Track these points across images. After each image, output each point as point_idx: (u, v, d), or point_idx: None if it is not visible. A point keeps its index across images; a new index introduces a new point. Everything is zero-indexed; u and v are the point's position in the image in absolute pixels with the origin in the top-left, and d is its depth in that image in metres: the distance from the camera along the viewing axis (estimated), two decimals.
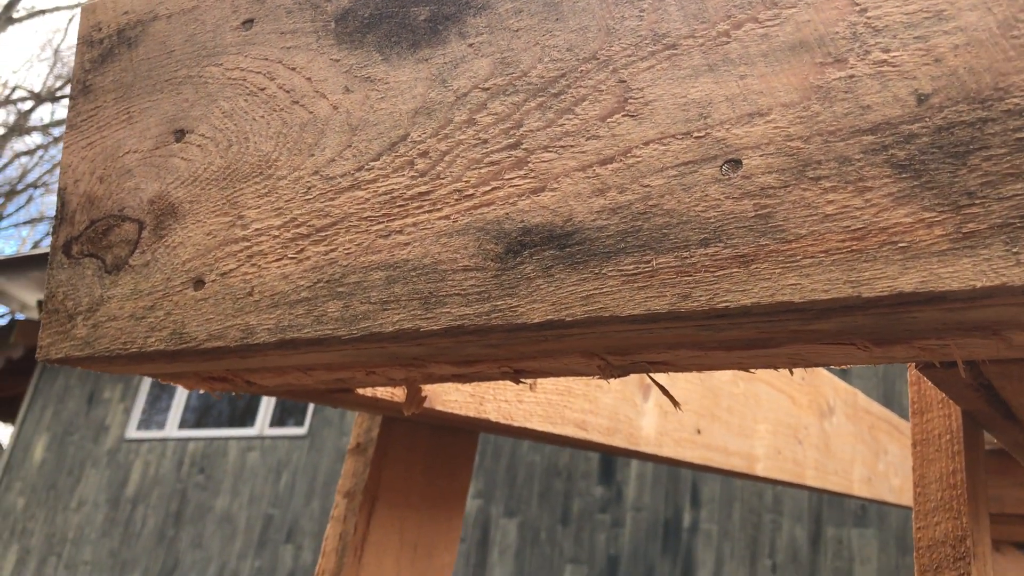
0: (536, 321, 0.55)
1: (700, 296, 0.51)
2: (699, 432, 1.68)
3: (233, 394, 0.90)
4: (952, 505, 0.85)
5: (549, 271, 0.55)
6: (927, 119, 0.47)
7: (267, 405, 9.39)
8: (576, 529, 7.10)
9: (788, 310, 0.49)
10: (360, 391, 0.92)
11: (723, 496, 6.67)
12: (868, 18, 0.49)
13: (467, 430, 1.25)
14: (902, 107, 0.48)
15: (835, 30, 0.50)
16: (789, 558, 6.29)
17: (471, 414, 1.06)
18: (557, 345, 0.61)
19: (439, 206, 0.60)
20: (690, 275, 0.51)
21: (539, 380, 1.20)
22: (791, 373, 1.79)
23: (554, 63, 0.59)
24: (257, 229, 0.67)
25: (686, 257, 0.51)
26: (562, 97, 0.58)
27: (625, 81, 0.56)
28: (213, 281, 0.68)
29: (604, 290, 0.53)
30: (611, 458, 7.12)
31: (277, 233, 0.66)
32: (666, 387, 1.54)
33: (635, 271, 0.53)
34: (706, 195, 0.52)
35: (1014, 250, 0.43)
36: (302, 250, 0.65)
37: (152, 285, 0.71)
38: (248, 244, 0.68)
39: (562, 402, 1.24)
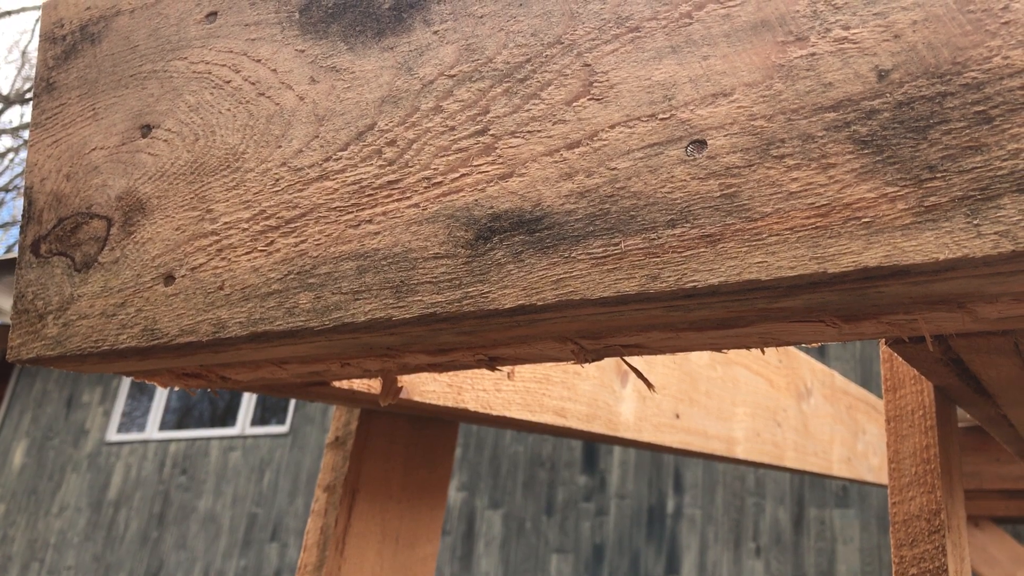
0: (508, 306, 0.55)
1: (668, 277, 0.51)
2: (678, 416, 1.68)
3: (212, 393, 0.90)
4: (926, 479, 0.86)
5: (519, 256, 0.55)
6: (888, 95, 0.47)
7: (248, 404, 9.35)
8: (561, 519, 7.13)
9: (755, 288, 0.50)
10: (336, 384, 0.91)
11: (706, 481, 6.71)
12: None
13: (447, 420, 1.25)
14: (863, 83, 0.48)
15: (796, 8, 0.50)
16: (773, 540, 6.34)
17: (450, 404, 1.06)
18: (530, 331, 0.61)
19: (408, 194, 0.60)
20: (658, 256, 0.51)
21: (517, 369, 1.21)
22: (762, 352, 1.79)
23: (519, 48, 0.59)
24: (226, 223, 0.67)
25: (654, 239, 0.52)
26: (528, 82, 0.58)
27: (590, 65, 0.56)
28: (183, 276, 0.68)
29: (574, 274, 0.53)
30: (594, 446, 7.15)
31: (246, 226, 0.66)
32: (645, 371, 1.55)
33: (604, 254, 0.53)
34: (672, 176, 0.52)
35: (975, 222, 0.44)
36: (272, 242, 0.65)
37: (122, 282, 0.71)
38: (217, 238, 0.67)
39: (540, 390, 1.25)
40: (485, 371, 1.13)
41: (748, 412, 2.04)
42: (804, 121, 0.49)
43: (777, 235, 0.48)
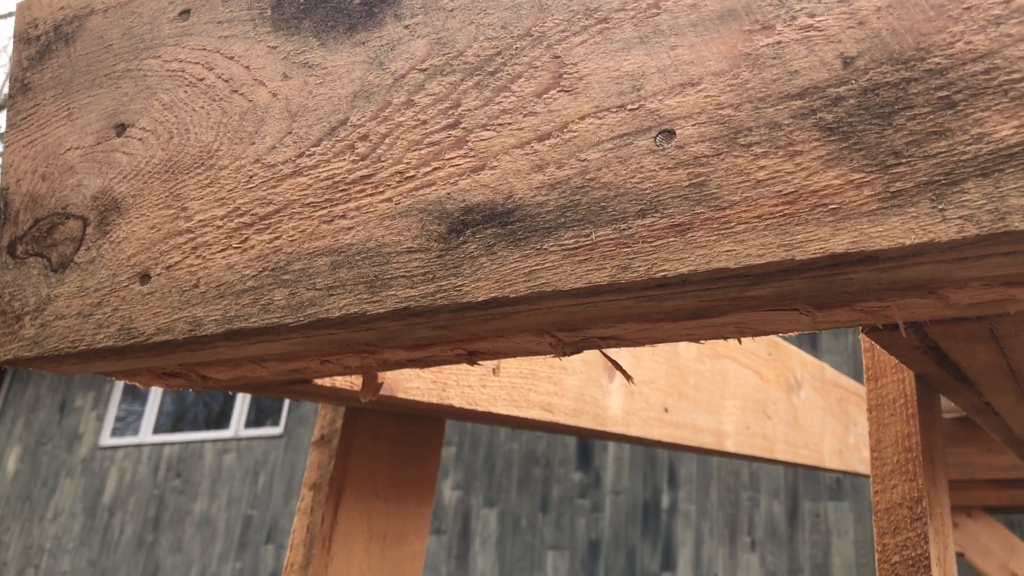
0: (481, 299, 0.55)
1: (639, 267, 0.51)
2: (667, 410, 1.69)
3: (195, 393, 0.90)
4: (908, 468, 0.87)
5: (492, 249, 0.55)
6: (853, 81, 0.47)
7: (242, 406, 9.33)
8: (556, 515, 7.13)
9: (725, 277, 0.50)
10: (318, 382, 0.91)
11: (700, 476, 6.72)
12: None
13: (432, 417, 1.25)
14: (829, 71, 0.48)
15: None
16: (768, 534, 6.35)
17: (434, 400, 1.06)
18: (505, 324, 0.61)
19: (381, 189, 0.60)
20: (628, 246, 0.51)
21: (503, 365, 1.21)
22: (740, 342, 1.79)
23: (489, 41, 0.59)
24: (201, 220, 0.67)
25: (624, 229, 0.52)
26: (498, 75, 0.58)
27: (559, 57, 0.56)
28: (159, 275, 0.68)
29: (546, 265, 0.54)
30: (588, 443, 7.16)
31: (221, 223, 0.66)
32: (632, 366, 1.55)
33: (575, 245, 0.53)
34: (642, 167, 0.52)
35: (940, 207, 0.44)
36: (246, 239, 0.64)
37: (98, 282, 0.71)
38: (192, 236, 0.67)
39: (527, 385, 1.25)
40: (470, 367, 1.13)
41: (738, 405, 2.04)
42: (771, 109, 0.49)
43: (745, 223, 0.49)
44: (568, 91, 0.55)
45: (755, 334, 0.67)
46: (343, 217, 0.61)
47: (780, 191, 0.48)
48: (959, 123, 0.44)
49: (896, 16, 0.47)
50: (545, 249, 0.54)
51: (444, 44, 0.60)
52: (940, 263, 0.47)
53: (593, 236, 0.52)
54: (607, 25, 0.55)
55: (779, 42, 0.50)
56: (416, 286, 0.57)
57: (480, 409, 1.13)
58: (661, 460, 6.90)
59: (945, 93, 0.45)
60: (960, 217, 0.44)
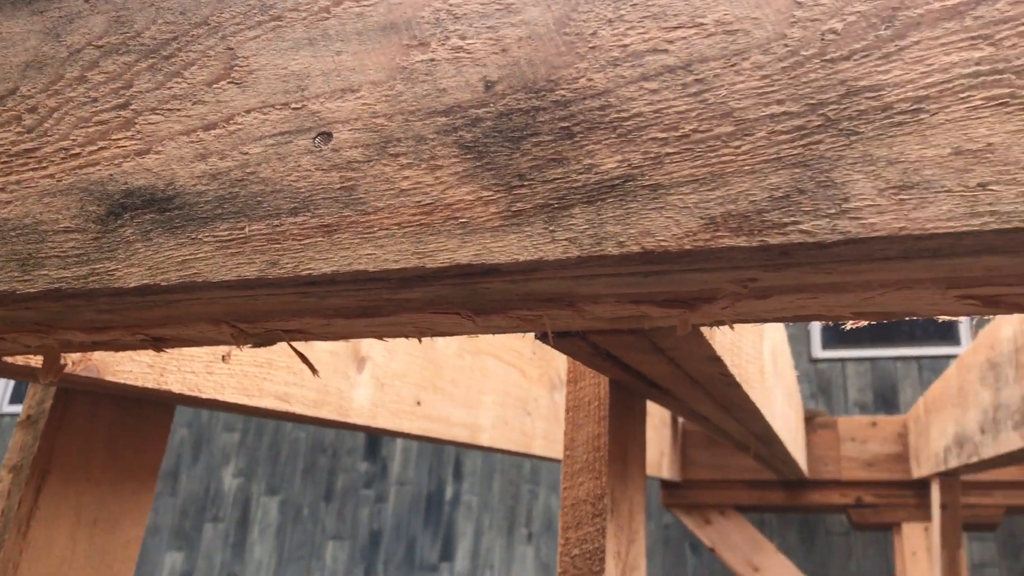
0: (132, 285, 0.55)
1: (287, 264, 0.52)
2: (419, 403, 1.71)
3: None
4: (595, 467, 0.93)
5: (148, 235, 0.55)
6: (492, 104, 0.50)
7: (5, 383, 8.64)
8: (340, 505, 7.07)
9: (368, 279, 0.52)
10: (9, 359, 0.87)
11: (484, 469, 6.86)
12: (451, 5, 0.53)
13: (157, 402, 1.21)
14: (472, 92, 0.51)
15: (421, 14, 0.53)
16: (544, 526, 6.57)
17: (151, 385, 1.03)
18: (172, 312, 0.60)
19: (44, 164, 0.58)
20: (279, 243, 0.52)
21: (236, 353, 1.19)
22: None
23: (167, 25, 0.58)
24: None
25: (276, 225, 0.53)
26: (173, 60, 0.57)
27: (232, 48, 0.56)
28: None
29: (199, 255, 0.54)
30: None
31: None
32: (386, 359, 1.56)
33: (229, 237, 0.53)
34: (299, 165, 0.53)
35: (551, 228, 0.48)
36: None
37: None
38: None
39: (261, 374, 1.23)
40: (196, 352, 1.11)
41: (497, 401, 2.10)
42: (419, 123, 0.51)
43: (386, 229, 0.51)
44: (238, 83, 0.55)
45: (434, 334, 0.70)
46: (2, 190, 0.59)
47: (419, 201, 0.50)
48: (575, 153, 0.48)
49: (534, 47, 0.50)
50: (200, 239, 0.54)
51: (123, 23, 0.59)
52: (560, 279, 0.51)
53: (247, 230, 0.53)
54: (280, 23, 0.55)
55: (432, 59, 0.52)
56: (69, 267, 0.56)
57: (205, 396, 1.11)
58: (448, 453, 6.98)
59: (566, 124, 0.49)
60: (566, 239, 0.47)
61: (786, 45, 0.46)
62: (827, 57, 0.45)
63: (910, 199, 0.42)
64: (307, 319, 0.65)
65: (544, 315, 0.61)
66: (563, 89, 0.49)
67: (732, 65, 0.47)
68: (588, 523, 0.91)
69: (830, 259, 0.45)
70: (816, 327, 6.59)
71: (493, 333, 0.67)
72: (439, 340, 1.82)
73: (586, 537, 0.90)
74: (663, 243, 0.46)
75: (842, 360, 6.49)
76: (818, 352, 6.54)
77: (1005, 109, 0.42)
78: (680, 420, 4.22)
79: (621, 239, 0.46)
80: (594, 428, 0.95)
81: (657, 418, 3.72)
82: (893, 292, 0.54)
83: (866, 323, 0.65)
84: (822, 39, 0.45)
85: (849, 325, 0.66)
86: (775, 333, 1.82)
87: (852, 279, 0.50)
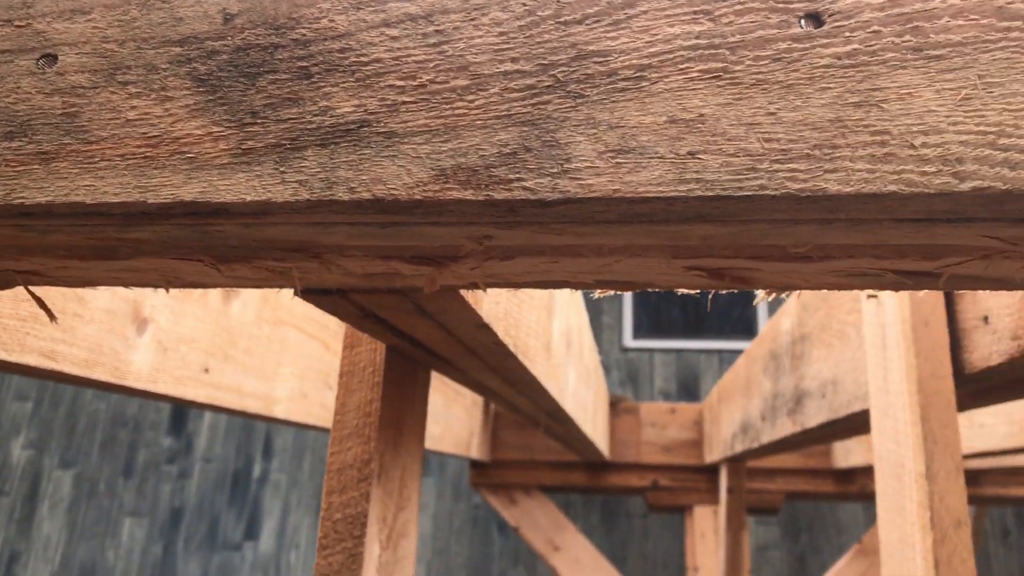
0: None
1: None
2: (207, 371, 1.65)
3: None
4: (364, 432, 0.92)
5: None
6: (229, 37, 0.48)
7: None
8: (140, 481, 6.75)
9: (89, 212, 0.49)
10: None
11: (295, 447, 6.73)
12: None
13: None
14: (210, 23, 0.49)
15: None
16: None
17: None
18: None
19: None
20: None
21: None
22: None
23: None
24: None
25: None
26: None
27: None
28: None
29: None
30: (183, 408, 6.85)
31: None
32: (171, 322, 1.49)
33: None
34: (19, 87, 0.49)
35: (281, 169, 0.47)
36: None
37: None
38: None
39: (24, 328, 1.15)
40: None
41: (296, 373, 2.06)
42: (152, 52, 0.49)
43: (108, 160, 0.48)
44: None
45: (183, 285, 0.67)
46: None
47: (146, 133, 0.48)
48: (311, 94, 0.47)
49: None
50: None
51: None
52: (296, 225, 0.50)
53: None
54: None
55: None
56: None
57: None
58: (258, 430, 6.80)
59: (305, 64, 0.48)
60: (297, 181, 0.46)
61: (524, 4, 0.47)
62: (561, 19, 0.46)
63: (626, 163, 0.44)
64: (38, 258, 0.61)
65: (293, 267, 0.60)
66: (304, 28, 0.48)
67: (472, 19, 0.47)
68: (353, 488, 0.90)
69: (554, 219, 0.46)
70: (628, 316, 6.86)
71: (243, 286, 0.65)
72: (235, 307, 1.76)
73: (349, 502, 0.89)
74: (394, 191, 0.45)
75: (651, 350, 6.78)
76: (629, 341, 6.80)
77: (718, 82, 0.44)
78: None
79: (352, 184, 0.46)
80: (367, 394, 0.94)
81: (469, 399, 3.76)
82: (627, 259, 0.56)
83: (613, 292, 0.67)
84: (559, 1, 0.46)
85: (598, 294, 0.69)
86: (572, 314, 1.87)
87: (583, 242, 0.52)
